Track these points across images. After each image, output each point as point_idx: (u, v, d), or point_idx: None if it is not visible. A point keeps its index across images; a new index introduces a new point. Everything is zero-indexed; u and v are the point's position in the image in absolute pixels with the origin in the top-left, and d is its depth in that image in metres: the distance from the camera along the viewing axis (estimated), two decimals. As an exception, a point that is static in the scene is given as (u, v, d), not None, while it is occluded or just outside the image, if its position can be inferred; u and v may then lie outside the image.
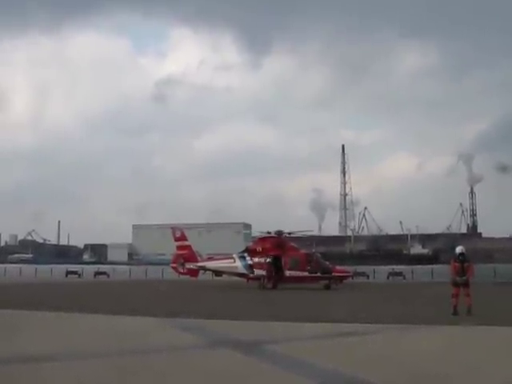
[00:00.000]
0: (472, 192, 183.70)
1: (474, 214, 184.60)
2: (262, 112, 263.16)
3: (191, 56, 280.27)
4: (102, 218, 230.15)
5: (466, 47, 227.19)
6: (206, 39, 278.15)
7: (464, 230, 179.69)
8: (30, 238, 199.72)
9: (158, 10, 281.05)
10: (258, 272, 37.37)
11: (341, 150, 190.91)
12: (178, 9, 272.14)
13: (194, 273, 42.45)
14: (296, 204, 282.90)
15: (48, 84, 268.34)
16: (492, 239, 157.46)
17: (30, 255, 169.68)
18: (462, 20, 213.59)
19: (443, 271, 35.19)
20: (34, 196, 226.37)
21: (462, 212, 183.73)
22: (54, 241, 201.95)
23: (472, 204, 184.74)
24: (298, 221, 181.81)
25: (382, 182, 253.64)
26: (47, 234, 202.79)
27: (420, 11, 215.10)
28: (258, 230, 50.60)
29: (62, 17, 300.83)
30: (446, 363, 9.53)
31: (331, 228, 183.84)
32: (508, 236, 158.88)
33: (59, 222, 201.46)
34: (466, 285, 17.54)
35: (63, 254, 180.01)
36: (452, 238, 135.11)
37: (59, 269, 70.59)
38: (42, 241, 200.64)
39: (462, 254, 17.93)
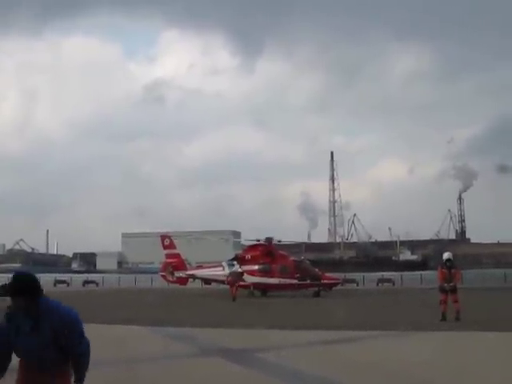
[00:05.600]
0: (460, 198, 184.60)
1: (462, 220, 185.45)
2: (254, 117, 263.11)
3: (182, 60, 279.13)
4: (90, 227, 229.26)
5: (459, 50, 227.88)
6: (196, 43, 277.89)
7: (453, 235, 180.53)
8: (18, 247, 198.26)
9: (147, 13, 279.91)
10: (248, 279, 37.30)
11: (331, 157, 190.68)
12: (168, 12, 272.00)
13: (183, 281, 42.38)
14: (287, 210, 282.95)
15: (34, 89, 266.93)
16: (480, 245, 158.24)
17: (19, 265, 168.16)
18: (453, 23, 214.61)
19: (432, 277, 35.34)
20: (22, 204, 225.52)
21: (451, 218, 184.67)
22: (42, 250, 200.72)
23: (460, 210, 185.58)
24: (289, 227, 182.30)
25: (372, 188, 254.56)
26: (36, 243, 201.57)
27: (411, 15, 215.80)
28: (246, 238, 50.72)
29: (49, 19, 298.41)
30: (435, 369, 9.60)
31: (320, 235, 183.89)
32: (496, 241, 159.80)
33: (48, 230, 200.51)
34: (453, 291, 17.67)
35: (52, 263, 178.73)
36: (441, 244, 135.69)
37: (48, 278, 70.02)
38: (30, 250, 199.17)
39: (449, 260, 18.07)
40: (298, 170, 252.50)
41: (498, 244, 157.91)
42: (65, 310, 4.69)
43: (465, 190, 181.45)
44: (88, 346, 4.83)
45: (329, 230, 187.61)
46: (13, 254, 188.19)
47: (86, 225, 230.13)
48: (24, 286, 4.48)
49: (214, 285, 42.81)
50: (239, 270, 37.44)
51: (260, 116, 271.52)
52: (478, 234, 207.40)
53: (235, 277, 34.60)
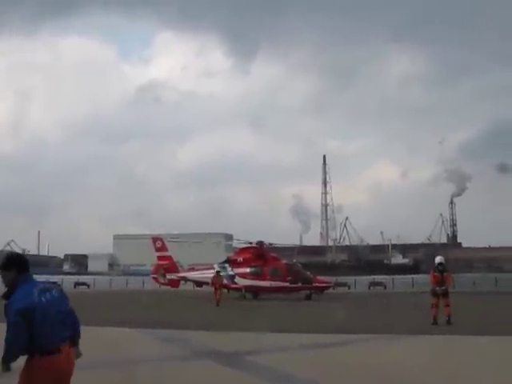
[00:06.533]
0: (452, 202, 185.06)
1: (453, 224, 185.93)
2: (249, 119, 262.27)
3: (177, 61, 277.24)
4: (82, 228, 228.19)
5: (457, 53, 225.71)
6: (191, 44, 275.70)
7: (444, 239, 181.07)
8: (8, 248, 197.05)
9: (143, 14, 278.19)
10: (239, 282, 37.30)
11: (323, 161, 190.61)
12: (163, 13, 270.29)
13: (175, 283, 42.29)
14: (281, 213, 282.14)
15: (28, 89, 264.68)
16: (471, 249, 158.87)
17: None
18: (451, 26, 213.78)
19: (423, 281, 35.47)
20: (14, 205, 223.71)
21: (443, 222, 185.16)
22: (33, 251, 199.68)
23: (452, 214, 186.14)
24: (282, 230, 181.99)
25: (365, 192, 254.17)
26: (27, 245, 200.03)
27: (408, 17, 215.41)
28: (237, 239, 50.67)
29: (45, 19, 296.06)
30: (426, 373, 9.62)
31: (312, 238, 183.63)
32: (487, 246, 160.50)
33: (39, 232, 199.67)
34: (445, 294, 17.74)
35: (43, 264, 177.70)
36: (432, 248, 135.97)
37: (39, 279, 69.70)
38: (21, 251, 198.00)
39: (441, 263, 18.16)
40: (291, 173, 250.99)
41: (490, 248, 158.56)
42: (17, 292, 4.80)
43: (459, 194, 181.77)
44: (7, 339, 4.66)
45: (321, 233, 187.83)
46: (3, 256, 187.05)
47: (77, 226, 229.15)
48: (3, 262, 5.09)
49: (205, 287, 42.73)
50: (230, 272, 37.50)
51: (254, 118, 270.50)
52: (469, 238, 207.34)
53: (219, 278, 32.75)
